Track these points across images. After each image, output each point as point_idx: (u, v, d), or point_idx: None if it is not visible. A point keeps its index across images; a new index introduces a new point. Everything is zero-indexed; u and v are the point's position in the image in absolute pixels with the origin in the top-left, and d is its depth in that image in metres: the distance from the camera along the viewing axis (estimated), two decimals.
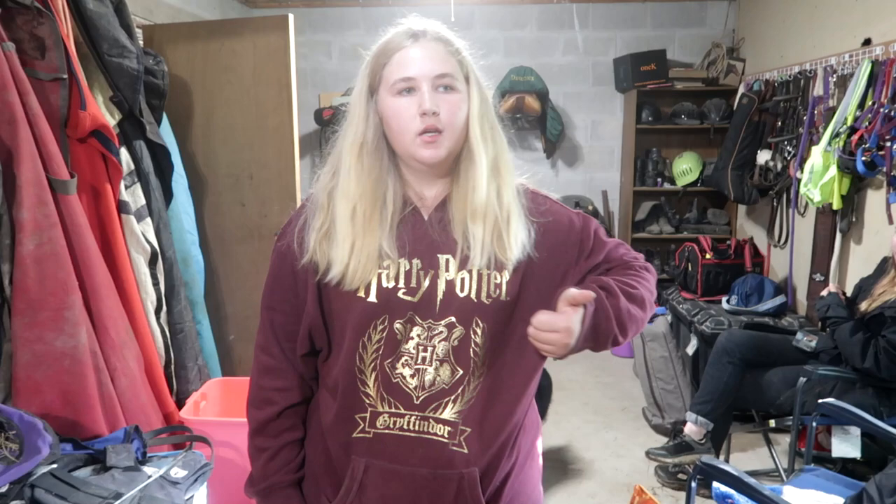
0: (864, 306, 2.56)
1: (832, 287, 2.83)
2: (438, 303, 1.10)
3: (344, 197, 1.12)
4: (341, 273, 1.10)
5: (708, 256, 3.93)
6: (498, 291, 1.11)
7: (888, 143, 2.83)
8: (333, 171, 1.16)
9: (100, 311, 1.98)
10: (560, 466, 3.11)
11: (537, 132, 5.03)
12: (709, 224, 4.80)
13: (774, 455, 2.90)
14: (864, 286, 2.71)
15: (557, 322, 1.02)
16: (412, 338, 1.11)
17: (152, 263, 2.33)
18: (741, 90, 4.37)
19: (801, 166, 3.45)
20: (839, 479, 2.09)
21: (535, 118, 4.86)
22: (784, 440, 3.12)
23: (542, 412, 2.96)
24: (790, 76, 3.84)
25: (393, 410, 1.11)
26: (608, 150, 5.12)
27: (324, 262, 1.12)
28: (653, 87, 4.66)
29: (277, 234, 1.22)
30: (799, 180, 3.43)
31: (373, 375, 1.12)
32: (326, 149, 1.20)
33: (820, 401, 2.20)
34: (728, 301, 3.65)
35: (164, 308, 2.40)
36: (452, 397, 1.11)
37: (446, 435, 1.10)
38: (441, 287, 1.11)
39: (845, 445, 2.43)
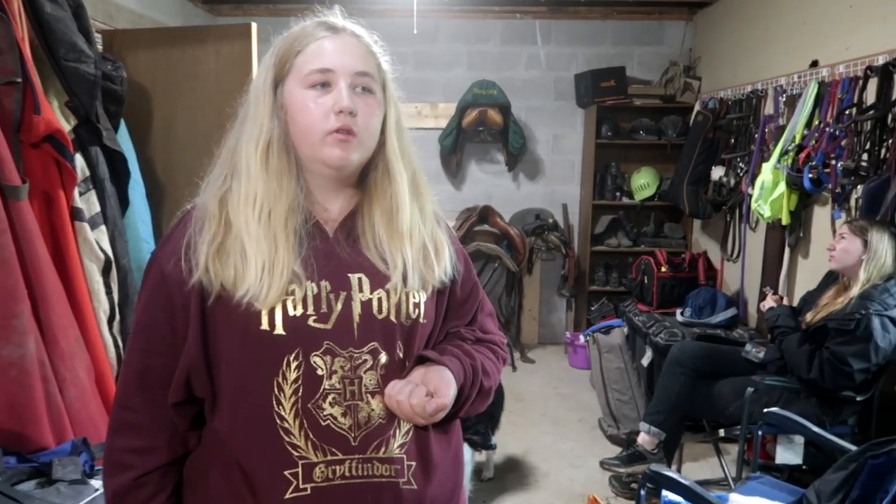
0: (808, 318, 2.65)
1: (774, 300, 2.91)
2: (356, 328, 0.99)
3: (247, 203, 0.98)
4: (249, 295, 0.94)
5: (663, 269, 4.03)
6: (417, 312, 1.03)
7: (833, 162, 2.95)
8: (226, 174, 1.02)
9: (49, 320, 1.94)
10: (517, 477, 3.13)
11: (499, 145, 5.09)
12: (665, 238, 4.91)
13: (723, 464, 2.97)
14: (809, 299, 2.81)
15: (427, 410, 0.97)
16: (335, 371, 0.97)
17: (106, 272, 2.30)
18: (697, 107, 4.49)
19: (752, 182, 3.56)
20: (783, 486, 2.16)
21: (497, 131, 4.92)
22: (734, 449, 3.20)
23: (495, 421, 2.99)
24: (743, 95, 3.96)
25: (329, 458, 0.97)
26: (569, 164, 5.20)
27: (216, 284, 0.96)
28: (612, 103, 4.76)
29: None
30: (750, 196, 3.54)
31: (297, 421, 0.96)
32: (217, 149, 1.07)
33: (765, 410, 2.27)
34: (682, 313, 3.73)
35: (118, 318, 2.36)
36: (391, 432, 1.00)
37: (394, 474, 0.99)
38: (356, 310, 0.99)
39: (789, 453, 2.51)
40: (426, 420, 0.99)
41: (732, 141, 4.02)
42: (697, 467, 3.21)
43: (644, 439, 2.95)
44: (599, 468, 3.12)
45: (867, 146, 2.81)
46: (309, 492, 0.96)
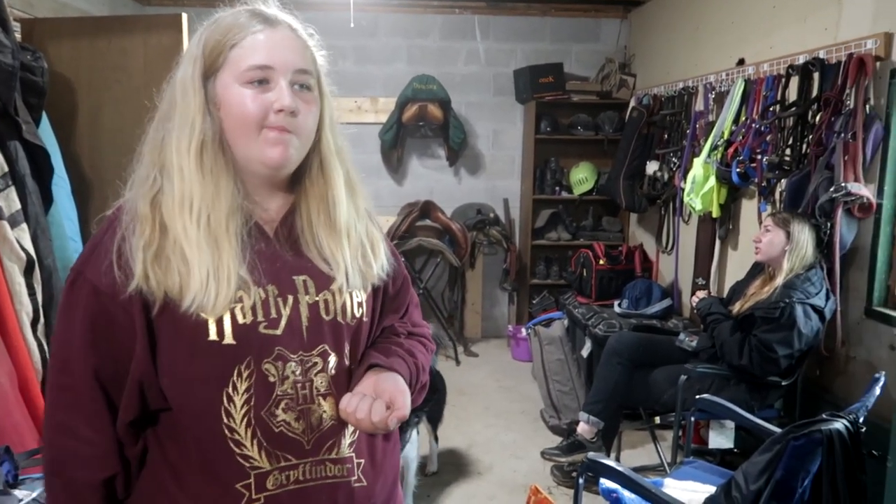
0: (737, 307, 2.76)
1: (703, 293, 3.01)
2: (305, 331, 0.98)
3: (183, 207, 0.92)
4: (195, 304, 0.90)
5: (602, 262, 4.11)
6: (360, 311, 1.04)
7: (759, 157, 3.06)
8: (154, 174, 0.95)
9: None
10: (460, 469, 3.15)
11: (440, 140, 5.09)
12: (603, 231, 5.01)
13: (659, 450, 3.06)
14: (738, 289, 2.92)
15: (389, 426, 0.96)
16: (287, 376, 0.96)
17: (28, 272, 2.19)
18: (632, 104, 4.59)
19: (684, 177, 3.67)
20: (714, 469, 2.24)
21: (437, 126, 4.92)
22: (670, 435, 3.29)
23: (438, 415, 3.00)
24: (675, 92, 4.08)
25: (283, 465, 0.96)
26: (509, 159, 5.25)
27: (160, 292, 0.90)
28: (551, 99, 4.82)
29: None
30: (683, 190, 3.65)
31: (249, 431, 0.94)
32: (139, 146, 1.00)
33: (697, 397, 2.35)
34: (620, 305, 3.82)
35: (42, 320, 2.26)
36: (343, 432, 1.01)
37: (345, 473, 1.01)
38: (304, 313, 0.98)
39: (721, 438, 2.60)
40: (385, 431, 0.98)
41: (666, 136, 4.13)
42: (635, 454, 3.30)
43: (583, 428, 3.01)
44: (541, 458, 3.17)
45: (790, 142, 2.93)
46: (262, 501, 0.95)
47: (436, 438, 3.14)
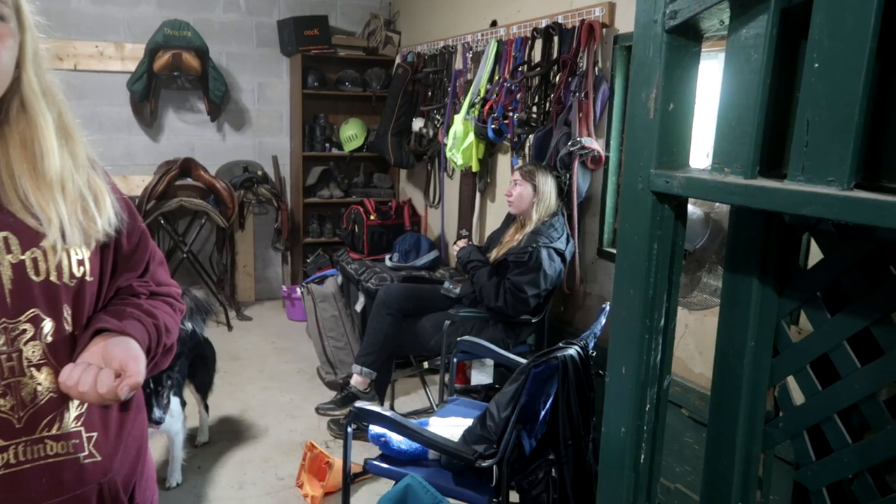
0: (493, 254, 2.97)
1: (462, 243, 3.20)
2: (8, 294, 0.88)
3: None
4: None
5: (372, 218, 4.17)
6: (82, 270, 0.94)
7: (511, 113, 3.29)
8: None
9: None
10: (234, 436, 3.05)
11: (199, 93, 4.74)
12: (375, 188, 5.07)
13: (429, 393, 3.23)
14: (494, 237, 3.14)
15: (120, 396, 0.86)
16: None
17: None
18: (398, 61, 4.66)
19: (447, 133, 3.82)
20: (474, 404, 2.42)
21: (195, 77, 4.57)
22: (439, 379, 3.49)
23: (207, 383, 2.88)
24: (437, 50, 4.20)
25: None
26: (277, 115, 5.06)
27: None
28: (317, 53, 4.71)
29: None
30: (446, 146, 3.80)
31: None
32: None
33: (459, 339, 2.50)
34: (391, 258, 3.92)
35: None
36: (66, 405, 0.92)
37: (72, 449, 0.93)
38: (7, 274, 0.88)
39: (482, 375, 2.81)
40: (116, 402, 0.89)
41: (430, 94, 4.26)
42: (409, 400, 3.44)
43: (357, 380, 3.07)
44: (318, 415, 3.18)
45: (536, 100, 3.18)
46: None
47: (206, 408, 2.99)
